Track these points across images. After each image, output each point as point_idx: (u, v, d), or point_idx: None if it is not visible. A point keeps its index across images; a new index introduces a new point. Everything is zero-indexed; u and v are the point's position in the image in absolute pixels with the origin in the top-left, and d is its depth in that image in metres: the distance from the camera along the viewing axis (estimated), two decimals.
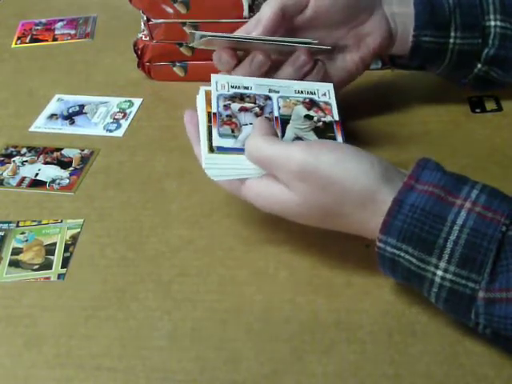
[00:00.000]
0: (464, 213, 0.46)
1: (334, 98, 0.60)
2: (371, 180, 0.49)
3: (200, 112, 0.58)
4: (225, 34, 0.63)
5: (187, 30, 0.79)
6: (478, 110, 0.75)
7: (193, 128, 0.58)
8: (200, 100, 0.58)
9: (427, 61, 0.70)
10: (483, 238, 0.45)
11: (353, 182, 0.49)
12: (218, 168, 0.54)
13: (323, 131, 0.57)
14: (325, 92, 0.61)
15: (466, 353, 0.50)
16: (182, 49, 0.82)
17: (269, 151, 0.51)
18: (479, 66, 0.69)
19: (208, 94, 0.58)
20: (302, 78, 0.64)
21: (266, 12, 0.62)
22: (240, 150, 0.54)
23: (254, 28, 0.63)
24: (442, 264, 0.46)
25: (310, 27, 0.65)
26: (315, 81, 0.64)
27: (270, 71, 0.64)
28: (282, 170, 0.51)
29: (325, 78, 0.65)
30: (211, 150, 0.54)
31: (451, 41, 0.67)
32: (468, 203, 0.46)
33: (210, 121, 0.56)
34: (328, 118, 0.58)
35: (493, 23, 0.67)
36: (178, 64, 0.84)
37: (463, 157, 0.68)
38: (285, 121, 0.57)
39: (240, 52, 0.64)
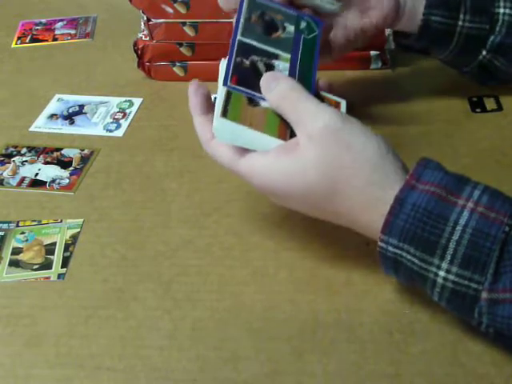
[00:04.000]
0: (466, 213, 0.45)
1: None
2: (388, 163, 0.49)
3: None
4: None
5: None
6: (478, 110, 0.75)
7: (196, 99, 0.57)
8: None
9: (434, 42, 0.70)
10: (486, 238, 0.45)
11: (370, 155, 0.48)
12: (226, 132, 0.52)
13: None
14: None
15: (466, 352, 0.50)
16: (181, 49, 0.82)
17: (305, 101, 0.51)
18: (484, 53, 0.69)
19: None
20: None
21: None
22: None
23: None
24: (444, 265, 0.46)
25: None
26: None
27: None
28: (308, 123, 0.50)
29: (324, 42, 0.65)
30: (224, 114, 0.52)
31: (460, 23, 0.67)
32: (470, 203, 0.46)
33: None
34: None
35: (502, 10, 0.68)
36: (177, 64, 0.84)
37: (463, 157, 0.68)
38: None
39: None
